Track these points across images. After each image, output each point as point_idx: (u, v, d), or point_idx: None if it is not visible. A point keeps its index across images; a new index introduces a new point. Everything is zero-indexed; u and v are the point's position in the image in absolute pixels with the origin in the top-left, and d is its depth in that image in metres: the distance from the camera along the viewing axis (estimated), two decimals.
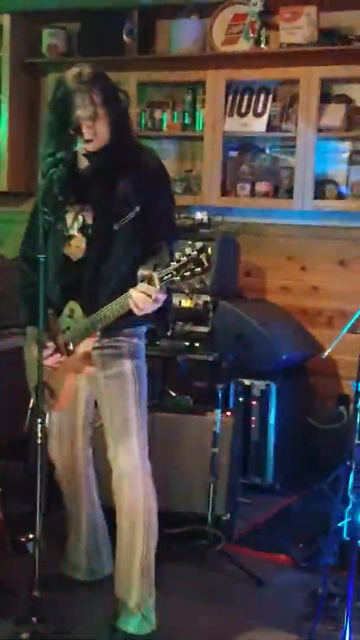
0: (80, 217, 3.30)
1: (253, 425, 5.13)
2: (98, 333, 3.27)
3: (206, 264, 2.86)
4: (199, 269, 2.86)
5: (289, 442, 5.22)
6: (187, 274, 2.87)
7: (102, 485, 3.69)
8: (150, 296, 2.98)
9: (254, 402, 5.14)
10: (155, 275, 2.93)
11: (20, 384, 4.05)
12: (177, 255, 2.89)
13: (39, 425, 3.21)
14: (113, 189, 3.24)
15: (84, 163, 3.30)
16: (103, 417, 3.43)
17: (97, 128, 3.17)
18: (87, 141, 3.17)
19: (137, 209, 3.22)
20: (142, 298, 3.01)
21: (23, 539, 3.99)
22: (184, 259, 2.86)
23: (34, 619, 3.17)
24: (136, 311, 3.05)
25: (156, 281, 2.93)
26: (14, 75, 6.11)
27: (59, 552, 3.84)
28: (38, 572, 3.22)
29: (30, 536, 3.97)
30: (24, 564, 3.73)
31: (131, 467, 3.33)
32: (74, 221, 3.31)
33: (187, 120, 5.77)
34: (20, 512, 4.04)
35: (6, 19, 6.05)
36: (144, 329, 3.44)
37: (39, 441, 3.22)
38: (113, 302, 3.13)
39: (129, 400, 3.34)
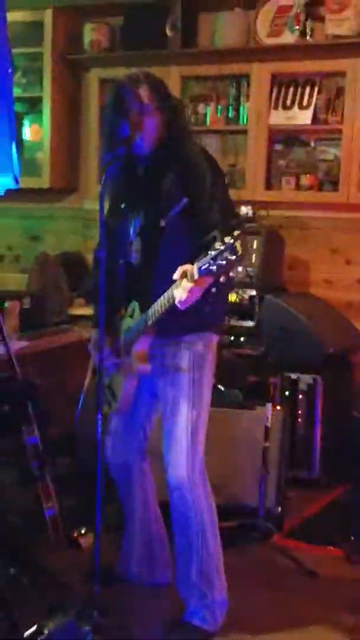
0: (136, 221, 3.34)
1: (299, 419, 5.12)
2: (151, 332, 3.28)
3: (240, 251, 2.82)
4: (233, 257, 2.81)
5: (335, 435, 5.20)
6: (223, 262, 2.83)
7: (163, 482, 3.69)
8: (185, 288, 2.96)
9: (300, 396, 5.13)
10: (195, 265, 2.91)
11: (69, 380, 4.09)
12: (216, 244, 2.86)
13: (99, 423, 3.21)
14: (159, 186, 3.25)
15: (138, 165, 3.33)
16: (161, 417, 3.45)
17: (145, 125, 3.21)
18: (140, 141, 3.21)
19: (184, 201, 3.19)
20: (180, 293, 2.99)
21: (76, 534, 4.03)
22: (221, 247, 2.83)
23: (95, 612, 3.19)
24: (178, 304, 3.02)
25: (195, 272, 2.91)
26: (55, 71, 6.11)
27: (113, 545, 3.84)
28: (98, 567, 3.23)
29: (83, 531, 4.02)
30: (76, 559, 3.78)
31: (177, 480, 3.34)
32: (131, 226, 3.35)
33: (231, 114, 5.75)
34: (69, 506, 4.08)
35: (48, 14, 6.04)
36: (212, 338, 3.40)
37: (99, 437, 3.22)
38: (161, 297, 3.14)
39: (181, 414, 3.33)
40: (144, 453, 3.68)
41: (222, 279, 2.87)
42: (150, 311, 3.22)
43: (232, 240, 2.82)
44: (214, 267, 2.84)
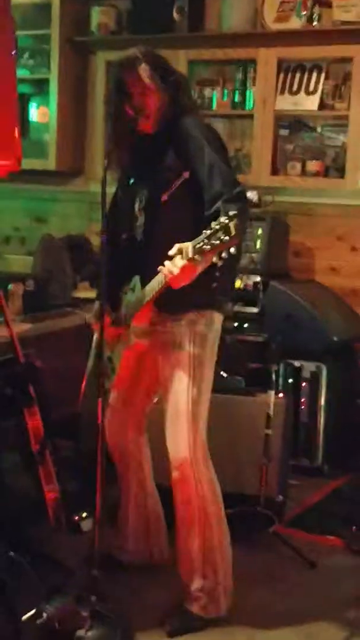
0: (140, 197, 3.32)
1: (303, 407, 5.10)
2: (149, 307, 3.28)
3: (233, 231, 2.80)
4: (226, 237, 2.80)
5: (339, 423, 5.18)
6: (216, 242, 2.81)
7: (162, 466, 3.69)
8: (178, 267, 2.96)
9: (303, 384, 5.11)
10: (190, 244, 2.90)
11: (72, 363, 4.07)
12: (212, 223, 2.84)
13: (100, 404, 3.20)
14: (161, 161, 3.23)
15: (144, 143, 3.31)
16: (162, 397, 3.43)
17: (149, 104, 3.20)
18: (144, 120, 3.20)
19: (186, 175, 3.17)
20: (170, 269, 2.98)
21: (77, 518, 4.02)
22: (216, 227, 2.82)
23: (93, 597, 3.18)
24: (169, 281, 3.02)
25: (190, 250, 2.89)
26: (62, 53, 6.07)
27: (114, 530, 3.84)
28: (97, 551, 3.22)
29: (84, 515, 4.01)
30: (77, 543, 3.77)
31: (178, 461, 3.33)
32: (136, 202, 3.33)
33: (237, 99, 5.72)
34: (71, 490, 4.06)
35: None
36: (214, 316, 3.37)
37: (100, 419, 3.21)
38: (158, 274, 3.12)
39: (181, 392, 3.31)
40: (142, 428, 3.68)
41: (214, 259, 2.85)
42: (148, 287, 3.22)
43: (226, 221, 2.81)
44: (208, 247, 2.83)
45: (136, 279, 3.34)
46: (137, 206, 3.33)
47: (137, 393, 3.61)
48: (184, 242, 2.96)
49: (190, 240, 2.93)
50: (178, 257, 2.95)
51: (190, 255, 2.89)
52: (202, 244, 2.84)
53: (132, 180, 3.37)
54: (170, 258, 3.00)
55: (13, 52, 3.13)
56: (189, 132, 3.22)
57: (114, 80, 3.25)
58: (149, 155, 3.30)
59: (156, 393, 3.57)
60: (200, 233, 2.89)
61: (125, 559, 3.76)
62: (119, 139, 3.28)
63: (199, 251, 2.87)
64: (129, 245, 3.37)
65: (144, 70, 3.18)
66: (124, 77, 3.21)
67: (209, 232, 2.83)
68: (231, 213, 2.83)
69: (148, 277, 3.23)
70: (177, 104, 3.25)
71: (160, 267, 3.04)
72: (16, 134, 3.53)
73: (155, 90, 3.20)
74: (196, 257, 2.89)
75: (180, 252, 2.94)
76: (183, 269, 2.95)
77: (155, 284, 3.17)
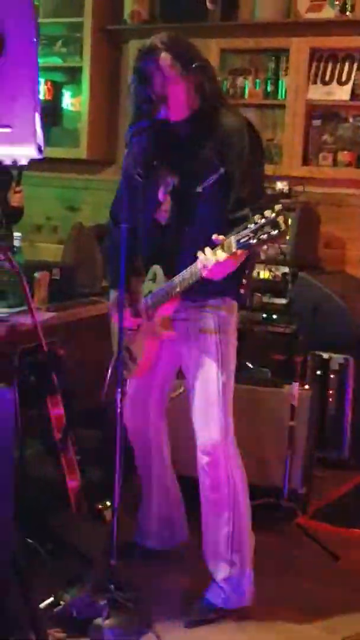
0: (169, 181, 3.29)
1: (330, 399, 5.07)
2: (178, 298, 3.26)
3: (283, 226, 2.79)
4: (275, 232, 2.79)
5: None
6: (264, 237, 2.81)
7: (179, 456, 3.70)
8: (219, 260, 2.93)
9: (331, 376, 5.08)
10: (233, 238, 2.88)
11: (97, 353, 4.06)
12: (255, 217, 2.83)
13: (119, 393, 3.21)
14: (198, 152, 3.20)
15: (174, 130, 3.26)
16: (188, 391, 3.42)
17: (171, 93, 3.15)
18: (166, 108, 3.16)
19: (222, 170, 3.15)
20: (208, 261, 2.96)
21: (100, 507, 4.03)
22: (262, 221, 2.80)
23: (111, 586, 3.19)
24: (205, 274, 3.00)
25: (232, 244, 2.88)
26: (95, 42, 6.09)
27: (134, 521, 3.84)
28: (116, 540, 3.23)
29: (108, 504, 4.02)
30: (100, 532, 3.77)
31: (210, 445, 3.30)
32: (164, 185, 3.30)
33: (269, 88, 5.70)
34: (96, 479, 4.08)
35: None
36: (233, 303, 3.37)
37: (118, 409, 3.22)
38: (192, 265, 3.10)
39: (211, 376, 3.30)
40: (162, 413, 3.69)
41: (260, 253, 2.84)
42: (178, 279, 3.20)
43: (274, 215, 2.79)
44: (254, 241, 2.82)
45: (156, 268, 3.33)
46: (161, 191, 3.31)
47: (157, 379, 3.61)
48: (211, 235, 2.96)
49: (217, 234, 2.94)
50: (219, 250, 2.93)
51: (233, 249, 2.89)
52: (247, 237, 2.84)
53: (155, 163, 3.31)
54: (201, 248, 3.00)
55: (34, 40, 3.11)
56: (233, 132, 3.19)
57: (135, 67, 3.21)
58: (182, 142, 3.26)
59: (171, 382, 3.60)
60: (223, 230, 2.90)
61: (149, 545, 3.78)
62: (139, 125, 3.23)
63: (244, 245, 2.86)
64: (150, 228, 3.35)
65: (164, 59, 3.13)
66: (144, 65, 3.17)
67: (253, 226, 2.82)
68: (277, 207, 2.81)
69: (172, 266, 3.23)
70: (203, 92, 3.20)
71: (199, 259, 3.00)
72: (37, 121, 3.52)
73: (177, 79, 3.15)
74: (238, 251, 2.88)
75: (222, 245, 2.92)
76: (224, 262, 2.94)
77: (187, 275, 3.15)
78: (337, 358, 5.08)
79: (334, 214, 5.63)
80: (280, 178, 5.42)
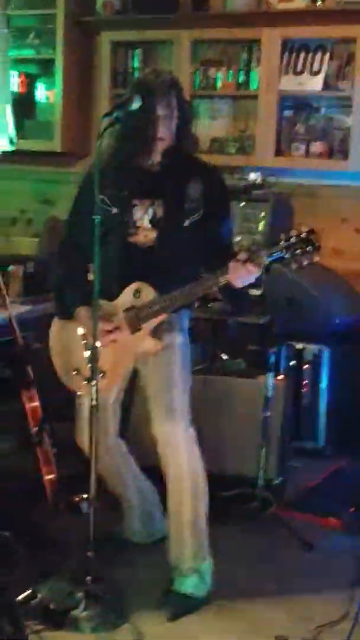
0: (150, 210, 3.41)
1: (304, 389, 5.10)
2: (169, 312, 3.38)
3: (317, 243, 3.09)
4: (310, 248, 3.08)
5: (341, 406, 5.17)
6: (298, 252, 3.09)
7: (140, 447, 3.74)
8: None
9: (306, 366, 5.11)
10: (264, 252, 3.11)
11: None
12: (283, 235, 3.10)
13: (94, 388, 3.22)
14: (185, 188, 3.39)
15: (148, 160, 3.41)
16: (147, 387, 3.49)
17: (170, 128, 3.36)
18: (160, 139, 3.34)
19: (201, 211, 3.39)
20: (243, 271, 3.15)
21: (76, 499, 4.03)
22: (294, 239, 3.08)
23: (87, 578, 3.21)
24: (237, 284, 3.21)
25: (263, 257, 3.11)
26: (67, 33, 6.03)
27: (112, 512, 3.86)
28: (92, 533, 3.24)
29: (84, 496, 4.02)
30: (76, 524, 3.79)
31: (173, 436, 3.40)
32: (144, 213, 3.41)
33: (241, 79, 5.68)
34: (71, 472, 4.08)
35: None
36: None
37: (93, 402, 3.23)
38: (188, 286, 3.28)
39: (175, 372, 3.43)
40: (119, 434, 3.78)
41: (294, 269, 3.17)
42: (172, 298, 3.31)
43: (305, 233, 3.10)
44: (287, 255, 3.10)
45: (142, 285, 3.39)
46: (146, 218, 3.41)
47: (116, 392, 3.67)
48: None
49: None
50: (249, 265, 3.13)
51: (266, 262, 3.13)
52: (281, 252, 3.11)
53: (125, 193, 3.42)
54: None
55: (5, 31, 3.12)
56: (219, 179, 3.58)
57: (143, 100, 3.28)
58: (160, 174, 3.42)
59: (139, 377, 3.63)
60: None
61: (137, 539, 3.87)
62: (130, 158, 3.42)
63: (276, 258, 3.14)
64: (128, 251, 3.42)
65: (173, 97, 3.35)
66: (154, 100, 3.30)
67: (285, 243, 3.10)
68: (304, 228, 3.12)
69: (163, 285, 3.34)
70: (185, 132, 3.43)
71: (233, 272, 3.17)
72: (8, 113, 3.52)
73: (174, 118, 3.36)
74: (271, 265, 3.15)
75: (251, 256, 3.13)
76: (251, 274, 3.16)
77: (197, 290, 3.33)
78: (311, 349, 5.11)
79: (307, 205, 5.63)
80: (253, 169, 5.43)
